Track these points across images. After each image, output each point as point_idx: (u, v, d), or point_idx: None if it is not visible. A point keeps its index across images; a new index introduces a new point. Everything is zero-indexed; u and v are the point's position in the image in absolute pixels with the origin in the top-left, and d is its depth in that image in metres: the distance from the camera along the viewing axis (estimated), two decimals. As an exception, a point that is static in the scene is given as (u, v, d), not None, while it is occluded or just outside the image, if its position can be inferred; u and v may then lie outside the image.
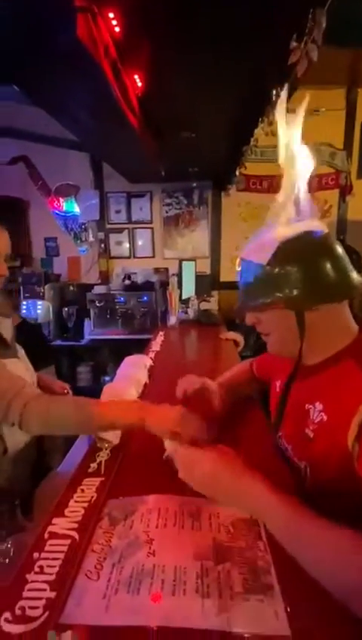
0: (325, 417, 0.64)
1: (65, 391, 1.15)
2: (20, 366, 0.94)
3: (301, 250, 0.65)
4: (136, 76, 1.62)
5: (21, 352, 1.00)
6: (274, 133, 1.68)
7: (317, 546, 0.46)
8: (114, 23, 1.24)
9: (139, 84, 1.67)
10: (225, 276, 3.47)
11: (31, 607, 0.45)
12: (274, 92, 1.36)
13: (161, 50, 1.40)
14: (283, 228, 0.65)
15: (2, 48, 1.18)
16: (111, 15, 1.21)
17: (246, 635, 0.41)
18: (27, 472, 0.95)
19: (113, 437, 0.85)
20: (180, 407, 0.78)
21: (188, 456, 0.62)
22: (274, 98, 1.37)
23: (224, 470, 0.59)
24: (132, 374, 1.23)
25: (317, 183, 3.02)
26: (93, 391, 1.05)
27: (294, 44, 1.08)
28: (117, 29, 1.27)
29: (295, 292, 0.64)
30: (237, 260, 0.74)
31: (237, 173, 2.75)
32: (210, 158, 2.67)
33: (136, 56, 1.46)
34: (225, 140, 2.30)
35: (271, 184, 3.19)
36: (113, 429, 0.82)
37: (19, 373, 0.90)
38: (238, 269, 0.74)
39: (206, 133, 2.16)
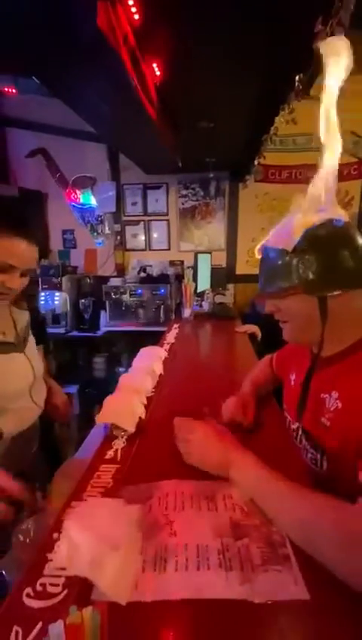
0: (340, 405, 0.65)
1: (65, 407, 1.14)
2: (22, 363, 0.93)
3: (325, 237, 0.65)
4: (154, 65, 1.60)
5: (30, 344, 0.99)
6: (296, 122, 1.64)
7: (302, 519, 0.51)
8: (133, 10, 1.23)
9: (158, 73, 1.65)
10: (241, 269, 3.43)
11: (51, 585, 0.47)
12: (297, 78, 1.32)
13: (180, 38, 1.37)
14: (310, 215, 0.66)
15: (23, 40, 1.18)
16: (130, 2, 1.19)
17: (269, 602, 0.44)
18: (28, 457, 0.98)
19: (129, 425, 0.87)
20: None
21: (184, 424, 0.72)
22: (296, 84, 1.33)
23: (216, 440, 0.66)
24: (148, 365, 1.25)
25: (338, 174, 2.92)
26: (108, 381, 1.07)
27: (319, 27, 1.04)
28: (136, 17, 1.25)
29: (316, 277, 0.65)
30: (258, 248, 0.75)
31: (255, 163, 2.69)
32: (228, 148, 2.62)
33: (154, 45, 1.44)
34: (245, 130, 2.25)
35: (290, 174, 3.11)
36: None
37: (18, 370, 0.91)
38: (259, 256, 0.75)
39: (225, 122, 2.12)
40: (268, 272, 0.72)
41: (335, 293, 0.65)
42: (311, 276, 0.65)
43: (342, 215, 0.67)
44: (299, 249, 0.66)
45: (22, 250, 0.80)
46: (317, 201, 0.66)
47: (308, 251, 0.65)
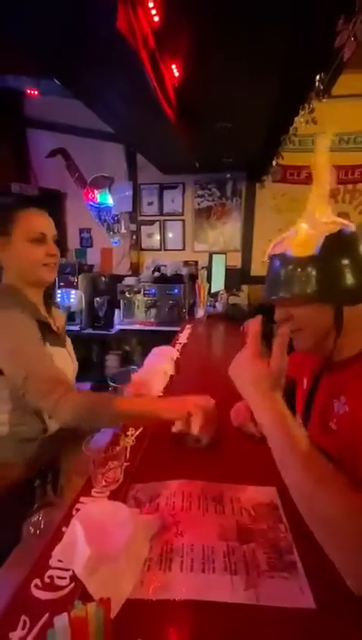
0: (347, 409, 0.64)
1: None
2: (66, 356, 1.01)
3: (348, 245, 0.64)
4: (173, 66, 1.61)
5: (68, 341, 1.07)
6: (316, 121, 1.61)
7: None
8: (153, 12, 1.23)
9: (176, 74, 1.65)
10: (255, 270, 3.40)
11: (59, 577, 0.48)
12: (318, 77, 1.30)
13: (199, 39, 1.37)
14: (326, 222, 0.64)
15: (44, 42, 1.21)
16: (150, 5, 1.20)
17: (273, 606, 0.44)
18: (60, 452, 1.01)
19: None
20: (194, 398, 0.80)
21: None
22: (317, 84, 1.31)
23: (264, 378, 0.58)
24: (158, 365, 1.25)
25: (360, 174, 2.85)
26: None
27: (342, 25, 1.01)
28: (156, 19, 1.26)
29: (336, 286, 0.63)
30: (267, 254, 0.73)
31: (273, 163, 2.66)
32: (245, 148, 2.60)
33: (173, 46, 1.44)
34: (263, 130, 2.23)
35: (310, 175, 3.05)
36: (137, 420, 0.88)
37: (63, 363, 0.96)
38: (266, 260, 0.73)
39: (243, 122, 2.10)
40: (282, 279, 0.70)
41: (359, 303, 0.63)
42: (331, 285, 0.63)
43: (346, 222, 0.66)
44: (319, 257, 0.64)
45: (46, 219, 0.96)
46: (327, 207, 0.65)
47: (329, 259, 0.63)
